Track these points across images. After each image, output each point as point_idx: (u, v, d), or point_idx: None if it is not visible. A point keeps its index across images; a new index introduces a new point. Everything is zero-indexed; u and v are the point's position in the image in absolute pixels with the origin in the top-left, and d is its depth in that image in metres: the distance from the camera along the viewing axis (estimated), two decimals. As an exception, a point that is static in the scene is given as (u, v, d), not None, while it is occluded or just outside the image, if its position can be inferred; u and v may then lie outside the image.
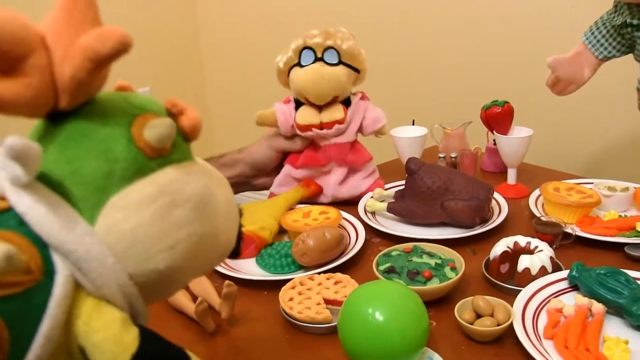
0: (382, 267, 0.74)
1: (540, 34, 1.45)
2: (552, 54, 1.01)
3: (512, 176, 1.07)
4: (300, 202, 1.00)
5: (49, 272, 0.31)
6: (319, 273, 0.76)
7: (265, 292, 0.77)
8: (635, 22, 0.89)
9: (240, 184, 1.05)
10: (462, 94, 1.61)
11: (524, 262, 0.74)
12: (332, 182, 1.02)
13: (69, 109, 0.34)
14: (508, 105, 1.05)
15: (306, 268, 0.80)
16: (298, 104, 1.00)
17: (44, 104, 0.32)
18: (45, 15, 0.34)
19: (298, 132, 1.00)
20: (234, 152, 1.06)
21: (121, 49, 0.32)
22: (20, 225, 0.30)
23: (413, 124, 1.20)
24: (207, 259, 0.39)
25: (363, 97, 1.04)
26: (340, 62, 0.96)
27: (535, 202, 0.97)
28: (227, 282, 0.67)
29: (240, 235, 0.42)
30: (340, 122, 0.98)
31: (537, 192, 1.00)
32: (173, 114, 0.38)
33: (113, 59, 0.32)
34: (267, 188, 1.08)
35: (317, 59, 0.96)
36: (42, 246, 0.31)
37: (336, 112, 0.99)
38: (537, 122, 1.13)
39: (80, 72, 0.31)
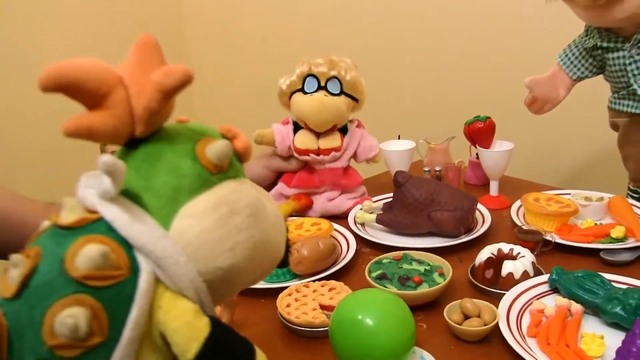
0: (374, 274, 0.78)
1: (518, 55, 1.51)
2: (529, 72, 1.07)
3: (494, 188, 1.12)
4: (291, 215, 1.04)
5: (134, 269, 0.36)
6: (314, 281, 0.80)
7: (263, 300, 0.80)
8: (604, 44, 0.96)
9: None
10: (446, 110, 1.67)
11: (507, 267, 0.79)
12: (322, 200, 1.06)
13: (142, 136, 0.39)
14: (490, 121, 1.11)
15: (301, 276, 0.84)
16: (296, 126, 1.04)
17: (124, 132, 0.37)
18: (121, 60, 0.41)
19: (295, 154, 1.04)
20: None
21: (185, 81, 0.38)
22: (109, 230, 0.35)
23: (399, 139, 1.25)
24: (262, 263, 0.43)
25: (359, 125, 1.09)
26: (341, 92, 1.01)
27: (516, 212, 1.02)
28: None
29: (288, 246, 0.47)
30: (337, 149, 1.04)
31: (518, 202, 1.05)
32: (227, 138, 0.43)
33: (178, 90, 0.38)
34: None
35: (320, 87, 1.01)
36: (127, 248, 0.36)
37: (334, 140, 1.04)
38: (517, 136, 1.19)
39: (152, 102, 0.37)
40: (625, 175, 1.12)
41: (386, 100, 1.80)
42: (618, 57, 0.95)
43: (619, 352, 0.61)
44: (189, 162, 0.39)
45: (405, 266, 0.79)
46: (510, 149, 1.08)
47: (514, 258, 0.82)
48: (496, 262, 0.82)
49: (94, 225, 0.35)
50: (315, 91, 1.00)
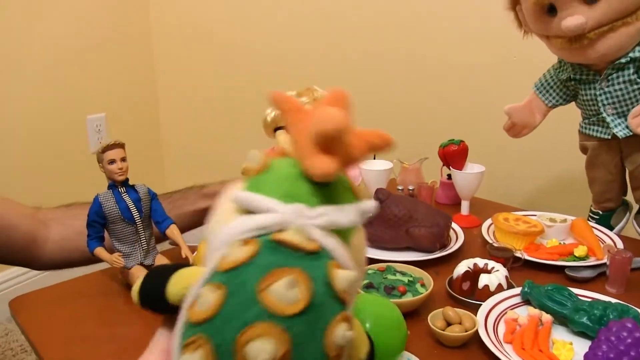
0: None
1: (490, 83, 1.61)
2: (501, 100, 1.15)
3: (465, 207, 1.19)
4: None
5: None
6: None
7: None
8: (577, 77, 1.05)
9: None
10: (419, 133, 1.75)
11: (483, 280, 0.85)
12: None
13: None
14: (463, 144, 1.19)
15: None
16: None
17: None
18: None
19: None
20: (215, 183, 1.09)
21: (386, 146, 0.39)
22: (331, 258, 0.36)
23: (374, 158, 1.31)
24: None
25: None
26: None
27: (487, 230, 1.10)
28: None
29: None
30: None
31: (488, 221, 1.12)
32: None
33: (378, 151, 0.39)
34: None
35: None
36: None
37: None
38: (485, 159, 1.27)
39: (360, 155, 0.38)
40: (586, 198, 1.21)
41: (363, 121, 1.86)
42: (590, 88, 1.04)
43: (586, 356, 0.67)
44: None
45: (390, 277, 0.85)
46: (482, 171, 1.16)
47: (488, 272, 0.88)
48: (472, 275, 0.88)
49: (322, 252, 0.35)
50: None
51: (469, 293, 0.88)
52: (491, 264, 0.90)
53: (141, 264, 0.88)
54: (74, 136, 2.26)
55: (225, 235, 0.35)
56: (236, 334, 0.30)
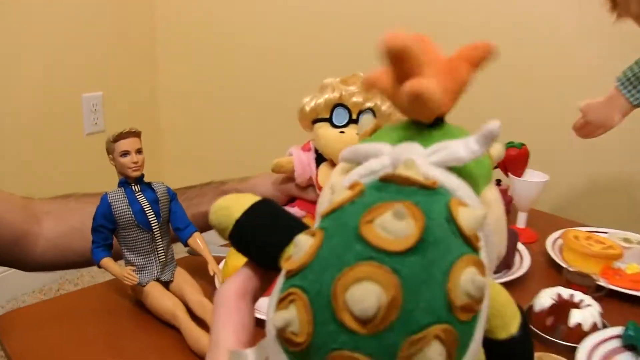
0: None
1: (561, 77, 1.45)
2: (572, 97, 1.00)
3: (522, 220, 1.04)
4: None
5: None
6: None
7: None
8: None
9: None
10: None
11: (575, 317, 0.70)
12: None
13: (437, 117, 0.35)
14: (525, 148, 1.03)
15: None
16: (319, 156, 0.90)
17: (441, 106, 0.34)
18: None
19: (317, 189, 0.90)
20: (235, 180, 0.96)
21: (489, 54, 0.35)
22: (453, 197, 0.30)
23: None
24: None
25: None
26: None
27: (553, 249, 0.95)
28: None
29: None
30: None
31: (552, 238, 0.98)
32: None
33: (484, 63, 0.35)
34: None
35: (351, 121, 0.86)
36: None
37: None
38: (548, 167, 1.11)
39: (467, 77, 0.35)
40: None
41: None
42: None
43: None
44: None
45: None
46: (545, 181, 1.01)
47: (576, 306, 0.73)
48: (558, 309, 0.73)
49: (443, 190, 0.30)
50: (345, 125, 0.86)
51: (551, 330, 0.73)
52: (577, 295, 0.75)
53: (157, 280, 0.72)
54: (67, 116, 2.08)
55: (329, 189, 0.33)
56: (333, 279, 0.25)
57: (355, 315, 0.24)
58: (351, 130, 0.84)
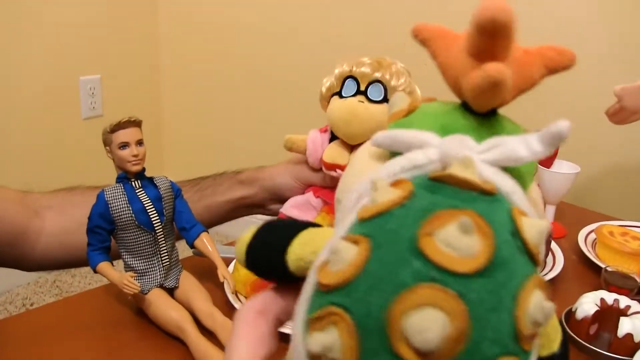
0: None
1: (589, 60, 1.37)
2: (601, 81, 0.93)
3: (550, 213, 0.97)
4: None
5: None
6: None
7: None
8: None
9: (252, 205, 0.90)
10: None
11: (625, 326, 0.63)
12: None
13: (499, 107, 0.31)
14: (555, 136, 0.96)
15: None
16: (334, 136, 0.85)
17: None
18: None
19: (323, 168, 0.85)
20: (251, 169, 0.90)
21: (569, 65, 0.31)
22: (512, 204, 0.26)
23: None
24: None
25: None
26: (385, 100, 0.81)
27: (585, 245, 0.88)
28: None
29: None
30: None
31: (583, 233, 0.91)
32: None
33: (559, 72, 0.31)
34: (277, 214, 0.93)
35: (359, 92, 0.81)
36: None
37: None
38: (578, 157, 1.04)
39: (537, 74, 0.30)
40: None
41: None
42: None
43: None
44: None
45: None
46: (577, 172, 0.94)
47: (623, 313, 0.67)
48: (602, 316, 0.66)
49: (500, 196, 0.26)
50: (353, 95, 0.81)
51: (593, 338, 0.66)
52: (622, 300, 0.68)
53: (161, 286, 0.65)
54: (63, 100, 2.01)
55: (368, 183, 0.28)
56: (387, 302, 0.21)
57: (414, 346, 0.21)
58: (353, 100, 0.79)
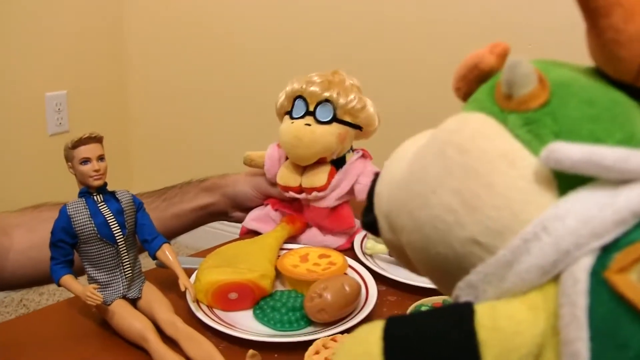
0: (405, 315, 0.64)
1: None
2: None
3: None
4: (286, 242, 0.88)
5: None
6: (342, 332, 0.65)
7: (276, 355, 0.64)
8: None
9: (217, 213, 0.92)
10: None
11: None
12: (312, 230, 0.90)
13: None
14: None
15: (316, 324, 0.69)
16: None
17: None
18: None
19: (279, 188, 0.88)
20: (215, 177, 0.94)
21: None
22: None
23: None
24: None
25: (364, 156, 0.90)
26: (334, 119, 0.82)
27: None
28: (250, 351, 0.54)
29: None
30: (319, 189, 0.85)
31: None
32: None
33: None
34: (241, 221, 0.95)
35: (307, 113, 0.82)
36: None
37: (317, 178, 0.85)
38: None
39: None
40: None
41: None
42: None
43: None
44: None
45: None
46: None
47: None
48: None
49: None
50: (302, 117, 0.83)
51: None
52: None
53: (124, 297, 0.67)
54: (29, 116, 1.99)
55: (575, 237, 0.22)
56: None
57: None
58: (299, 123, 0.81)
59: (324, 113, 0.82)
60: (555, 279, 0.24)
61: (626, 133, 0.24)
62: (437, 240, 0.27)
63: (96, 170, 0.64)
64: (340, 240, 0.89)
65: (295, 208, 0.90)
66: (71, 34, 2.07)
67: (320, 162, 0.86)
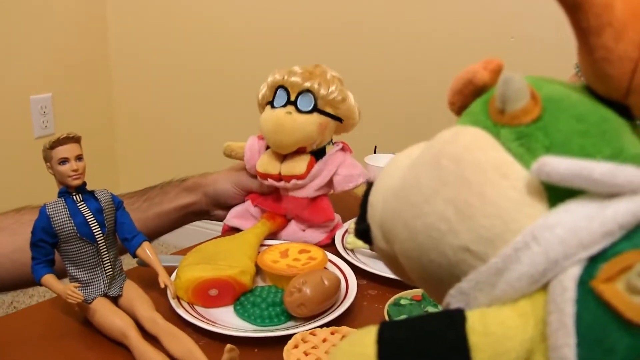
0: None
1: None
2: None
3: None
4: (266, 238, 0.89)
5: None
6: (321, 327, 0.66)
7: (256, 350, 0.65)
8: None
9: (199, 212, 0.93)
10: (429, 120, 1.59)
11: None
12: (293, 226, 0.91)
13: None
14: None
15: (296, 318, 0.70)
16: None
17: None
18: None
19: (258, 177, 0.88)
20: (196, 176, 0.95)
21: None
22: None
23: (375, 152, 1.14)
24: None
25: (344, 149, 0.91)
26: (315, 109, 0.84)
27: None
28: (228, 346, 0.55)
29: None
30: (299, 177, 0.86)
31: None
32: None
33: None
34: (223, 220, 0.96)
35: (288, 102, 0.84)
36: None
37: (297, 166, 0.86)
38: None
39: None
40: None
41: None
42: None
43: None
44: None
45: (431, 309, 0.67)
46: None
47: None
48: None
49: None
50: (284, 106, 0.84)
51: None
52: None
53: (105, 295, 0.67)
54: (15, 119, 1.99)
55: (563, 248, 0.23)
56: None
57: None
58: (281, 111, 0.83)
59: (305, 103, 0.84)
60: (544, 287, 0.25)
61: (614, 149, 0.25)
62: (430, 249, 0.28)
63: (74, 170, 0.65)
64: (320, 236, 0.90)
65: (274, 199, 0.91)
66: (55, 37, 2.07)
67: (300, 151, 0.87)
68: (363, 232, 0.36)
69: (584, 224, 0.24)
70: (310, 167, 0.86)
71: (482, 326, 0.25)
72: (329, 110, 0.85)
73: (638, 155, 0.26)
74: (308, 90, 0.83)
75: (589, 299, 0.23)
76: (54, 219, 0.64)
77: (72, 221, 0.65)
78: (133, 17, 2.19)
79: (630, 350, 0.22)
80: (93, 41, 2.22)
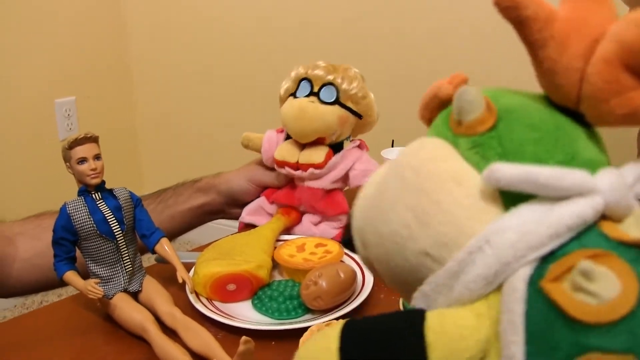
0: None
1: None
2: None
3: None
4: (282, 233, 0.89)
5: None
6: (337, 319, 0.66)
7: (273, 342, 0.66)
8: None
9: (213, 212, 0.94)
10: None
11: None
12: (306, 222, 0.91)
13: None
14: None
15: (313, 311, 0.70)
16: (289, 136, 0.90)
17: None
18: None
19: (275, 165, 0.89)
20: (209, 176, 0.95)
21: None
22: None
23: (392, 146, 1.13)
24: None
25: (361, 146, 0.92)
26: (336, 102, 0.85)
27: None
28: (244, 338, 0.55)
29: None
30: (317, 166, 0.86)
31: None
32: None
33: None
34: (238, 217, 0.96)
35: (312, 93, 0.85)
36: None
37: (316, 154, 0.87)
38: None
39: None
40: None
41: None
42: None
43: None
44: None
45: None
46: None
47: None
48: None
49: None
50: (307, 96, 0.86)
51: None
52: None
53: (125, 291, 0.69)
54: (40, 122, 2.04)
55: (514, 250, 0.24)
56: None
57: None
58: (304, 99, 0.84)
59: (328, 94, 0.85)
60: (499, 288, 0.26)
61: (567, 154, 0.27)
62: (395, 253, 0.30)
63: (93, 169, 0.66)
64: (333, 232, 0.90)
65: (289, 190, 0.91)
66: (78, 42, 2.11)
67: (318, 142, 0.88)
68: (348, 241, 0.37)
69: (532, 227, 0.25)
70: (328, 158, 0.87)
71: (439, 326, 0.26)
72: (350, 104, 0.86)
73: (591, 159, 0.27)
74: (331, 83, 0.85)
75: (538, 298, 0.24)
76: (74, 217, 0.66)
77: (92, 219, 0.66)
78: (153, 22, 2.22)
79: (572, 346, 0.23)
80: (114, 46, 2.26)
